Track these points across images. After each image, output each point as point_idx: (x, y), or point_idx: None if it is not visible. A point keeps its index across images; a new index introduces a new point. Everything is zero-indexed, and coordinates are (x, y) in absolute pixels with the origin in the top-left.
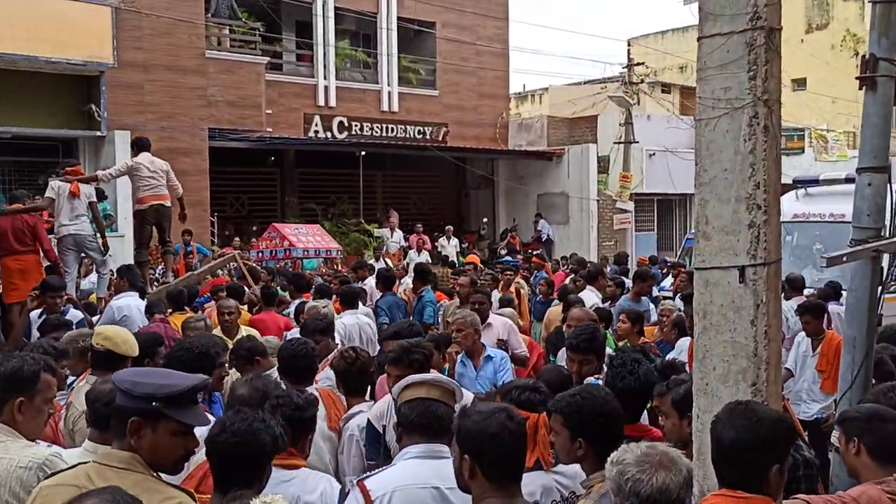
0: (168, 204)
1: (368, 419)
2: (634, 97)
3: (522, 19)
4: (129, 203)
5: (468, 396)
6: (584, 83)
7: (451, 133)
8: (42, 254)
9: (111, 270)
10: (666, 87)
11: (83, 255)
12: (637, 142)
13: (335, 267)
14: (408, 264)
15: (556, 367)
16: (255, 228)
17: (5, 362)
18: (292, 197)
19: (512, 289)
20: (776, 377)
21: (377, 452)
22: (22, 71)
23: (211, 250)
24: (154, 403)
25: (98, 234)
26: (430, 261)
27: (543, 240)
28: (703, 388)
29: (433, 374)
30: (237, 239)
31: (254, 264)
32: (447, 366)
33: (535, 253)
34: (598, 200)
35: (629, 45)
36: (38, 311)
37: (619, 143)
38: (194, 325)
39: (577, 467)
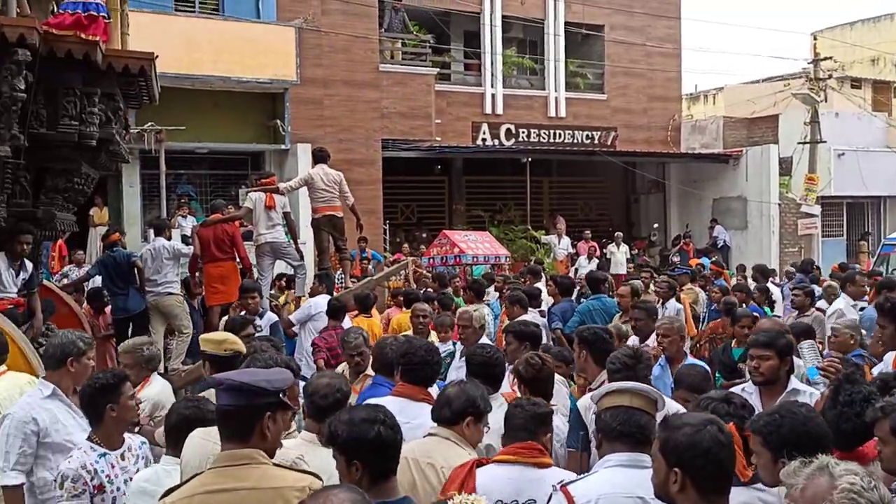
0: (340, 214)
1: (577, 407)
2: (821, 94)
3: (695, 17)
4: (308, 211)
5: (671, 405)
6: (763, 81)
7: (620, 137)
8: (238, 260)
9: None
10: (856, 82)
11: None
12: (824, 141)
13: (503, 273)
14: (577, 271)
15: (694, 366)
16: (424, 235)
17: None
18: (460, 204)
19: (685, 297)
20: None
21: (576, 440)
22: (216, 91)
23: (384, 256)
24: (281, 395)
25: (292, 241)
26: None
27: (719, 246)
28: None
29: (637, 383)
30: (406, 245)
31: (425, 271)
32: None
33: (711, 260)
34: (779, 204)
35: (814, 38)
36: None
37: (804, 143)
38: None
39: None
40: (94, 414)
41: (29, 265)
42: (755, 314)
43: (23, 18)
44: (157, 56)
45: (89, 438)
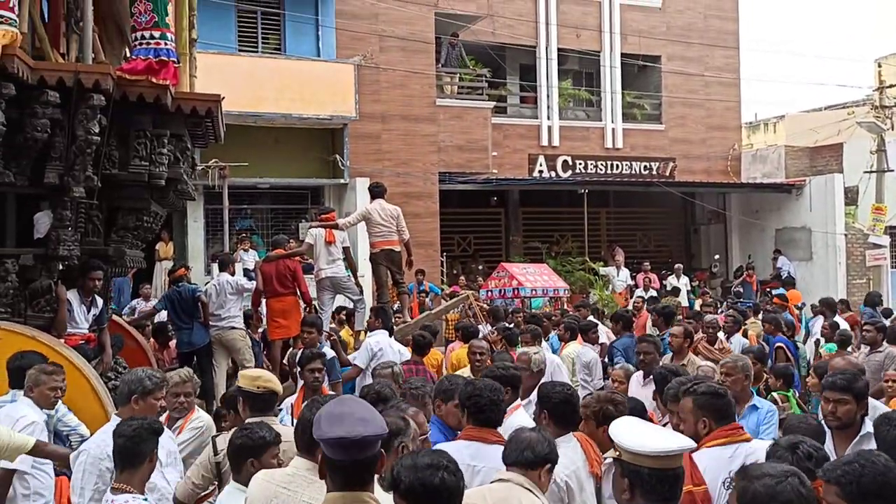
0: (398, 249)
1: None
2: (887, 121)
3: (754, 47)
4: (367, 245)
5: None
6: (826, 109)
7: (678, 167)
8: (299, 295)
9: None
10: None
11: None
12: (892, 170)
13: (561, 306)
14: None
15: (804, 418)
16: (480, 267)
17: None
18: (517, 236)
19: (752, 332)
20: None
21: None
22: (278, 127)
23: (441, 289)
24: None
25: (352, 276)
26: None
27: (783, 277)
28: None
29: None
30: (462, 277)
31: (483, 304)
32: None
33: (774, 293)
34: (846, 235)
35: (878, 65)
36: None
37: (871, 171)
38: (381, 371)
39: None
40: (237, 466)
41: (99, 301)
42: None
43: (98, 65)
44: (223, 97)
45: None
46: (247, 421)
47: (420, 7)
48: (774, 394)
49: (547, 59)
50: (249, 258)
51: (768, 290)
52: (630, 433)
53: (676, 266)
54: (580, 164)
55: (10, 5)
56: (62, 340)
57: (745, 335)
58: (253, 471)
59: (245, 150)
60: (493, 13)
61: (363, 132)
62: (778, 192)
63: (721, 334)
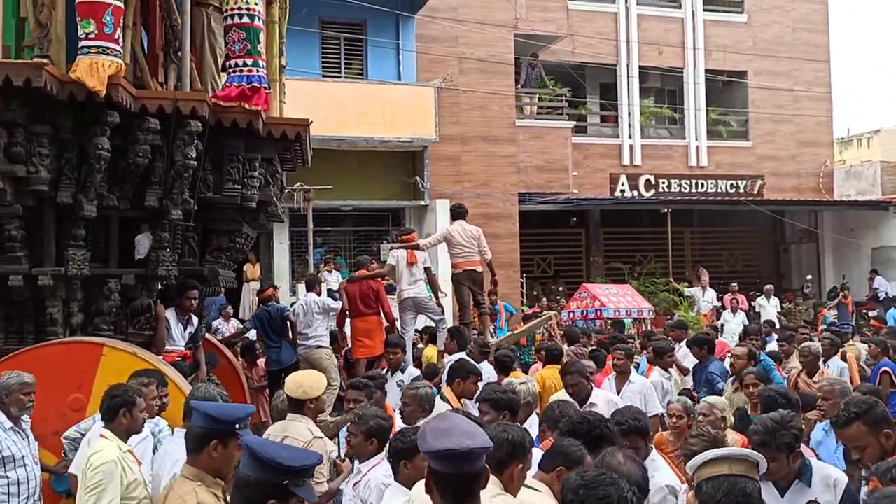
0: (479, 269)
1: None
2: None
3: (845, 59)
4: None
5: (832, 473)
6: None
7: (767, 185)
8: (382, 315)
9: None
10: None
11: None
12: None
13: (644, 328)
14: (722, 326)
15: None
16: (560, 289)
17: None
18: (598, 256)
19: (850, 355)
20: None
21: None
22: (360, 150)
23: (520, 310)
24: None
25: (433, 296)
26: (746, 322)
27: (881, 299)
28: None
29: (735, 448)
30: (544, 299)
31: (563, 325)
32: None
33: (871, 315)
34: None
35: None
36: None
37: None
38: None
39: None
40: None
41: (195, 320)
42: None
43: (195, 92)
44: (311, 122)
45: None
46: (287, 418)
47: (500, 29)
48: None
49: (628, 76)
50: (332, 279)
51: (865, 311)
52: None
53: (767, 287)
54: (663, 182)
55: (116, 37)
56: (161, 357)
57: (843, 358)
58: (406, 472)
59: (328, 173)
60: (573, 32)
61: (443, 154)
62: (874, 209)
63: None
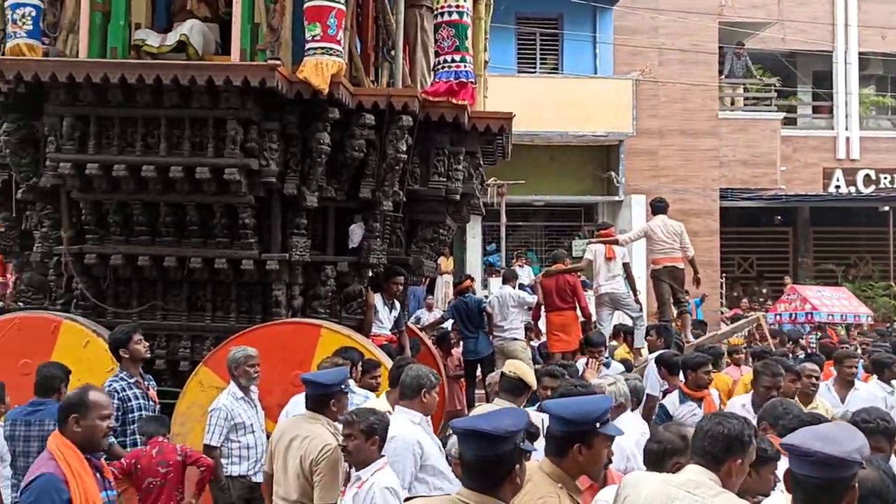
0: (681, 266)
1: None
2: None
3: None
4: (644, 261)
5: None
6: None
7: None
8: (579, 310)
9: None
10: None
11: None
12: None
13: (858, 333)
14: None
15: None
16: (764, 290)
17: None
18: (806, 257)
19: None
20: None
21: None
22: (554, 145)
23: (720, 311)
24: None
25: (632, 292)
26: None
27: None
28: None
29: None
30: (745, 300)
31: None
32: None
33: None
34: None
35: None
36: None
37: None
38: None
39: None
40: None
41: (398, 305)
42: None
43: (406, 89)
44: (514, 115)
45: None
46: (495, 401)
47: (703, 17)
48: None
49: (846, 63)
50: (524, 273)
51: None
52: None
53: None
54: (885, 178)
55: (338, 38)
56: (370, 340)
57: None
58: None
59: (521, 167)
60: (784, 18)
61: (639, 148)
62: None
63: None
